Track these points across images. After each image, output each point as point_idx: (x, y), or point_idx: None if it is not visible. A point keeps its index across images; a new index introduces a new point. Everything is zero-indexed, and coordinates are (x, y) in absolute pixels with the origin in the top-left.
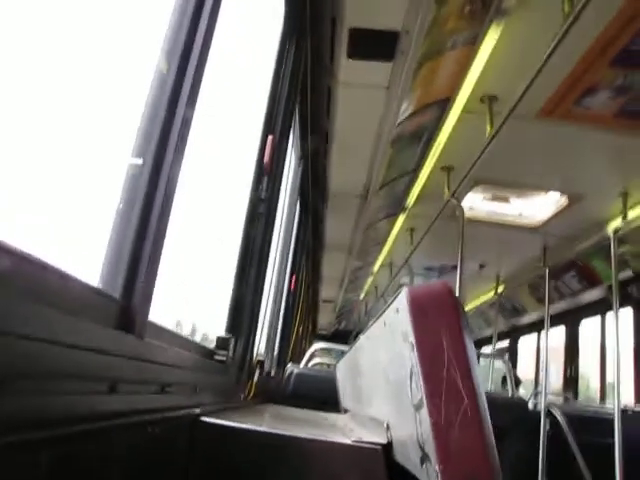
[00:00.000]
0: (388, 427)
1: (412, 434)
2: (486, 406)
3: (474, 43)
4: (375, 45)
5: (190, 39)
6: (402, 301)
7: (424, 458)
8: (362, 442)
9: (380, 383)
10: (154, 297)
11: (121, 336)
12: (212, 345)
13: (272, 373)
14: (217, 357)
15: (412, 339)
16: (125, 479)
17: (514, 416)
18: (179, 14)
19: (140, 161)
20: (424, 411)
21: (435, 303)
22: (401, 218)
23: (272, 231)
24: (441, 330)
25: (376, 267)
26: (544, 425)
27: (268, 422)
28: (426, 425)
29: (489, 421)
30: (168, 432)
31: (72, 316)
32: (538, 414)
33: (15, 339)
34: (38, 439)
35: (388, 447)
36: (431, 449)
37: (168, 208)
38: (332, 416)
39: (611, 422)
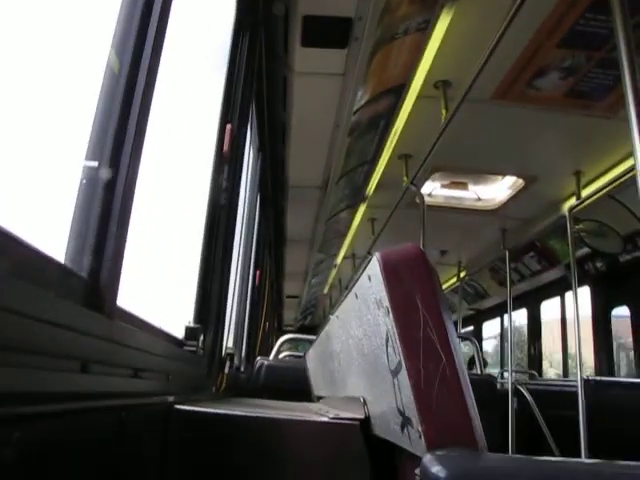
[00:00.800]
0: (365, 402)
1: (391, 401)
2: (463, 365)
3: (426, 29)
4: (329, 32)
5: (142, 32)
6: (374, 267)
7: (405, 423)
8: (339, 418)
9: (354, 358)
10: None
11: (91, 315)
12: (180, 336)
13: (242, 368)
14: (187, 347)
15: (387, 303)
16: (97, 463)
17: (484, 394)
18: (129, 7)
19: (96, 164)
20: (403, 374)
21: (407, 265)
22: (362, 208)
23: (235, 222)
24: (415, 291)
25: (339, 259)
26: (512, 402)
27: (242, 409)
28: (406, 388)
29: (467, 379)
30: (142, 418)
31: (39, 290)
32: (506, 391)
33: None
34: (4, 414)
35: (366, 422)
36: (412, 412)
37: (132, 188)
38: (306, 404)
39: (575, 394)
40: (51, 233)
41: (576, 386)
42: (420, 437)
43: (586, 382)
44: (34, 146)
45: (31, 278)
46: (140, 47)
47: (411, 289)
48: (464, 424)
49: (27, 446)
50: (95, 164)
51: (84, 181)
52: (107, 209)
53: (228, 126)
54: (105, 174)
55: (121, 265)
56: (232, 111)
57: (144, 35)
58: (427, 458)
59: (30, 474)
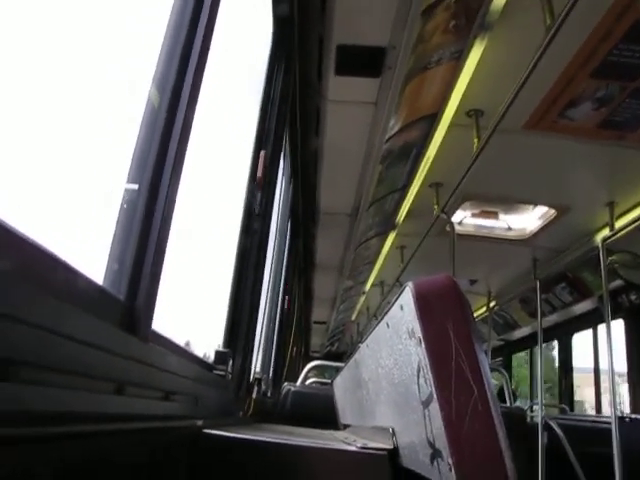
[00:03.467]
0: (394, 433)
1: (421, 433)
2: (496, 398)
3: (459, 58)
4: (362, 61)
5: (182, 68)
6: (407, 296)
7: (434, 455)
8: (367, 448)
9: (384, 387)
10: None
11: (126, 337)
12: (210, 360)
13: (268, 393)
14: (216, 372)
15: (419, 334)
16: None
17: (513, 427)
18: (171, 42)
19: (136, 187)
20: (434, 406)
21: (440, 295)
22: (391, 236)
23: (266, 247)
24: (447, 322)
25: (367, 286)
26: (542, 438)
27: (270, 435)
28: (436, 420)
29: (499, 412)
30: (171, 441)
31: (78, 311)
32: (536, 425)
33: (19, 324)
34: (38, 433)
35: (394, 452)
36: (442, 444)
37: (170, 213)
38: (333, 432)
39: (608, 431)
40: (91, 255)
41: (609, 423)
42: (450, 470)
43: (620, 419)
44: (77, 171)
45: (70, 299)
46: (180, 83)
47: (444, 320)
48: (495, 458)
49: (61, 465)
50: (135, 187)
51: (124, 205)
52: (145, 233)
53: (262, 153)
54: (145, 198)
55: (157, 289)
56: (266, 138)
57: (184, 71)
58: None
59: None
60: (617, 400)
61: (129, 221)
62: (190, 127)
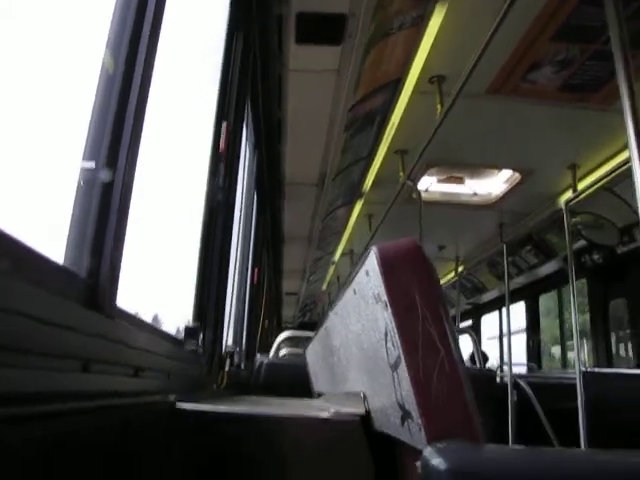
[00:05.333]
0: (365, 398)
1: (390, 396)
2: (462, 358)
3: (420, 24)
4: (323, 29)
5: (137, 32)
6: (371, 261)
7: (405, 416)
8: (340, 415)
9: (354, 354)
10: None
11: (90, 315)
12: (180, 335)
13: (242, 366)
14: (187, 346)
15: (385, 297)
16: (100, 462)
17: (483, 388)
18: (123, 7)
19: (93, 164)
20: (402, 368)
21: (404, 258)
22: (358, 205)
23: (232, 220)
24: (413, 284)
25: (337, 256)
26: (511, 395)
27: (244, 407)
28: (405, 382)
29: (466, 372)
30: (144, 416)
31: (39, 290)
32: (505, 385)
33: None
34: (7, 414)
35: (366, 417)
36: (412, 405)
37: (129, 188)
38: (307, 400)
39: (574, 386)
40: (50, 235)
41: (575, 378)
42: (420, 430)
43: (585, 374)
44: (32, 148)
45: (31, 279)
46: (135, 47)
47: (409, 283)
48: (464, 417)
49: (30, 446)
50: (92, 165)
51: (81, 182)
52: (105, 209)
53: (224, 124)
54: (102, 174)
55: (120, 265)
56: (228, 109)
57: (138, 35)
58: (427, 451)
59: (33, 473)
60: (581, 356)
61: (87, 198)
62: (147, 97)
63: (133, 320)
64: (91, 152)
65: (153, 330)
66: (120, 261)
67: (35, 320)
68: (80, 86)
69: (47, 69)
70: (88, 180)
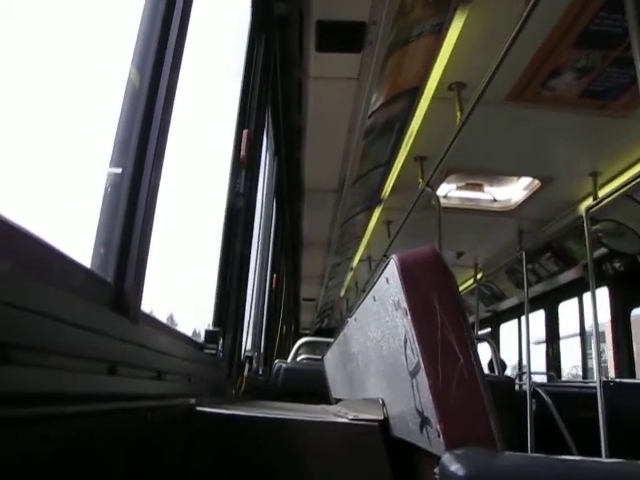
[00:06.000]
0: (383, 404)
1: (409, 402)
2: (481, 365)
3: (440, 31)
4: (343, 37)
5: (162, 48)
6: (392, 269)
7: (423, 423)
8: (358, 420)
9: (373, 360)
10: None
11: (117, 319)
12: (200, 339)
13: (260, 371)
14: (207, 351)
15: (405, 305)
16: (123, 462)
17: (502, 396)
18: (149, 23)
19: (119, 170)
20: (421, 375)
21: (424, 266)
22: (377, 211)
23: (252, 226)
24: (432, 292)
25: (355, 262)
26: (530, 403)
27: (263, 411)
28: (424, 389)
29: (484, 379)
30: (165, 419)
31: (69, 294)
32: (524, 393)
33: (12, 309)
34: (35, 414)
35: (385, 423)
36: (430, 412)
37: (154, 195)
38: (325, 406)
39: (594, 396)
40: (78, 239)
41: (595, 388)
42: (439, 436)
43: (605, 384)
44: (61, 155)
45: (60, 283)
46: (160, 61)
47: (428, 290)
48: (482, 424)
49: (57, 445)
50: (119, 171)
51: (108, 188)
52: (131, 216)
53: (245, 131)
54: (128, 181)
55: (145, 270)
56: (248, 117)
57: (163, 50)
58: (446, 457)
59: (59, 473)
60: (602, 365)
61: (114, 204)
62: (172, 107)
63: (156, 324)
64: (118, 158)
65: (175, 334)
66: (145, 266)
67: (63, 322)
68: (108, 98)
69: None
70: (115, 186)
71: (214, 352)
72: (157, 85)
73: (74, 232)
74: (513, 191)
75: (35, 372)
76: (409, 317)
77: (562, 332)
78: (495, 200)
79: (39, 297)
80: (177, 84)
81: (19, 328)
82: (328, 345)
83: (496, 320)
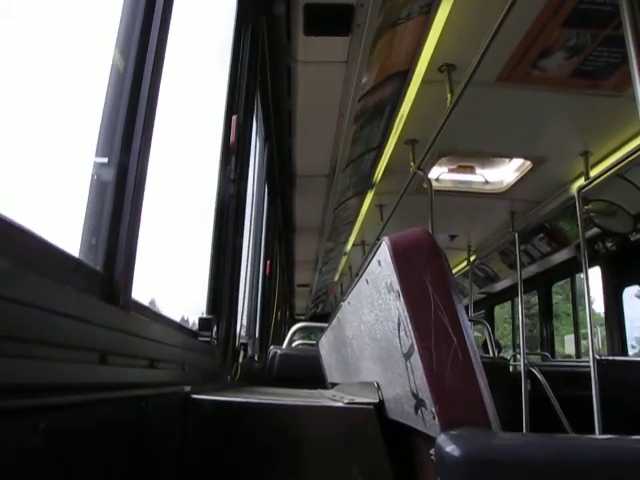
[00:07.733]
0: (379, 387)
1: (404, 384)
2: (475, 346)
3: (429, 12)
4: (331, 20)
5: (146, 31)
6: (384, 251)
7: (418, 405)
8: (354, 403)
9: (367, 343)
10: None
11: (107, 308)
12: (194, 327)
13: (255, 357)
14: (201, 338)
15: (397, 287)
16: (117, 451)
17: (497, 376)
18: (132, 2)
19: (105, 160)
20: (415, 357)
21: (416, 248)
22: (369, 195)
23: (244, 213)
24: (425, 274)
25: (349, 247)
26: (525, 383)
27: (259, 397)
28: (418, 371)
29: (479, 360)
30: (160, 407)
31: (58, 284)
32: (519, 373)
33: (1, 300)
34: (27, 406)
35: (380, 406)
36: (425, 393)
37: (142, 182)
38: (320, 390)
39: (588, 374)
40: (66, 229)
41: (589, 366)
42: (434, 418)
43: (599, 362)
44: (46, 145)
45: (48, 272)
46: (144, 45)
47: (421, 272)
48: (477, 404)
49: (50, 435)
50: (105, 160)
51: (95, 177)
52: (119, 204)
53: (234, 117)
54: (115, 169)
55: (134, 259)
56: (237, 102)
57: (147, 33)
58: (441, 438)
59: (53, 463)
60: (595, 344)
61: (101, 192)
62: (158, 92)
63: (148, 312)
64: (104, 147)
65: (168, 322)
66: (135, 254)
67: (52, 313)
68: (92, 85)
69: (61, 70)
70: (101, 175)
71: (208, 339)
72: (142, 69)
73: (61, 221)
74: (505, 173)
75: (24, 363)
76: (402, 299)
77: None
78: (487, 182)
79: (27, 287)
80: (163, 68)
81: (7, 319)
82: (322, 330)
83: (490, 301)
